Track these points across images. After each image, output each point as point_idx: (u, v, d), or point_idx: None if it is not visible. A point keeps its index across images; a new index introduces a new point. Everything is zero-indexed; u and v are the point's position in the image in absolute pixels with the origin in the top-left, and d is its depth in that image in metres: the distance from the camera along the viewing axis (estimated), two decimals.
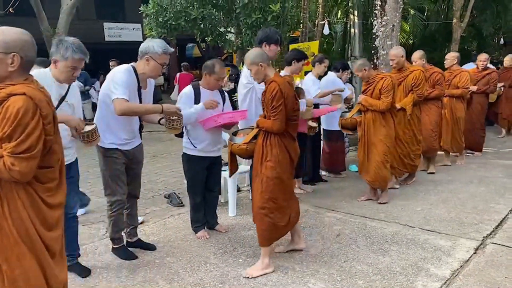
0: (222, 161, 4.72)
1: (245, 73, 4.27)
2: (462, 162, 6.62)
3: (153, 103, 3.66)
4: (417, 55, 5.86)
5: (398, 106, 5.08)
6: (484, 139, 7.33)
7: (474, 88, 6.91)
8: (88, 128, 3.05)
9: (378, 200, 4.90)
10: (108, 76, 3.37)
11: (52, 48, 2.98)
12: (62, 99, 3.06)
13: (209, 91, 3.90)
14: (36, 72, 2.97)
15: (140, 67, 3.38)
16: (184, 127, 3.82)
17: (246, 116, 4.03)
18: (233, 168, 3.73)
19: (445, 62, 6.72)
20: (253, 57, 3.30)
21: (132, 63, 3.42)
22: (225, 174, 4.75)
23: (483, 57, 7.38)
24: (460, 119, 6.42)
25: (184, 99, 3.83)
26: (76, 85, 3.31)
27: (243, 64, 4.61)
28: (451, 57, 6.64)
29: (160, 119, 3.57)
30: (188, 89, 3.90)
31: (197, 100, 3.81)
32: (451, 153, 6.61)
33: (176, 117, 3.45)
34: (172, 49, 3.48)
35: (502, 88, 8.58)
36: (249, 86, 4.22)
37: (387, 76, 4.72)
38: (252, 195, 3.61)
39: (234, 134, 3.77)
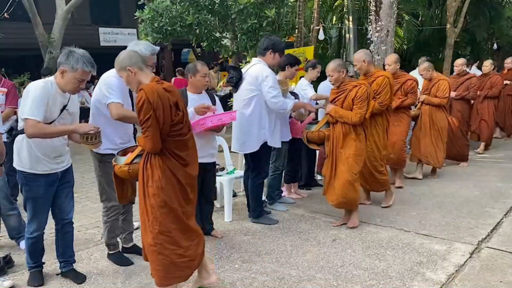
0: (218, 166, 4.73)
1: (252, 78, 4.22)
2: (435, 175, 6.16)
3: None
4: (392, 58, 5.48)
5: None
6: (468, 148, 6.86)
7: (453, 94, 6.50)
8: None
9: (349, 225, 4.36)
10: (100, 81, 3.37)
11: (60, 58, 2.99)
12: (63, 108, 3.07)
13: (197, 95, 3.90)
14: (44, 81, 2.98)
15: None
16: None
17: (235, 118, 4.00)
18: (124, 195, 3.18)
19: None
20: (121, 61, 2.80)
21: None
22: (220, 179, 4.75)
23: (459, 62, 6.88)
24: (443, 130, 5.98)
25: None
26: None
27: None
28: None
29: None
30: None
31: (185, 104, 3.81)
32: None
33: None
34: (158, 48, 3.50)
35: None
36: (256, 92, 4.21)
37: (361, 84, 4.12)
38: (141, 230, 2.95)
39: (123, 153, 3.15)
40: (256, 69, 4.27)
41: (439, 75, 6.15)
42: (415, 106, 5.98)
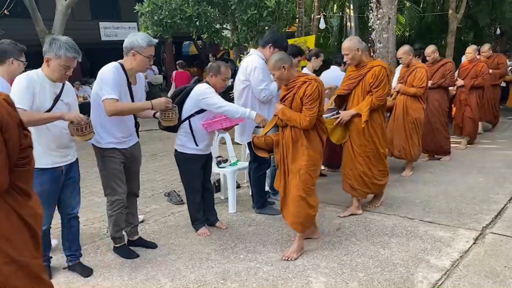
0: (221, 158, 4.75)
1: (243, 69, 4.28)
2: (409, 172, 5.71)
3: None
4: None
5: (354, 111, 4.14)
6: (448, 141, 6.29)
7: (428, 83, 5.83)
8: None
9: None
10: (98, 75, 3.36)
11: (44, 46, 2.98)
12: (57, 98, 3.06)
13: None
14: (29, 72, 2.98)
15: (127, 63, 3.36)
16: (190, 128, 3.82)
17: (244, 119, 4.05)
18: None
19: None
20: None
21: (119, 60, 3.40)
22: (224, 171, 4.76)
23: (429, 49, 6.19)
24: (418, 121, 5.49)
25: (214, 93, 3.83)
26: (71, 85, 3.30)
27: (240, 60, 4.62)
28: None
29: (155, 113, 3.58)
30: (209, 86, 3.87)
31: None
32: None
33: (170, 108, 3.45)
34: (156, 40, 3.46)
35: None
36: (246, 83, 4.24)
37: (311, 79, 3.41)
38: None
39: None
40: (247, 60, 4.32)
41: (417, 62, 5.74)
42: (390, 96, 5.60)
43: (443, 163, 6.18)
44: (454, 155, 6.51)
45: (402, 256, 3.45)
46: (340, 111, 4.24)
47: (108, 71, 3.28)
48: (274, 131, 3.61)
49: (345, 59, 4.23)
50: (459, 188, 5.02)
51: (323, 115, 3.81)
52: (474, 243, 3.61)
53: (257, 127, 3.85)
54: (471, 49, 7.09)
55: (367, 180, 4.27)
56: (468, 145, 7.11)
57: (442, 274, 3.14)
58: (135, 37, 3.33)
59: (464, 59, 7.56)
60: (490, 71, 7.71)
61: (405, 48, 5.61)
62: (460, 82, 6.88)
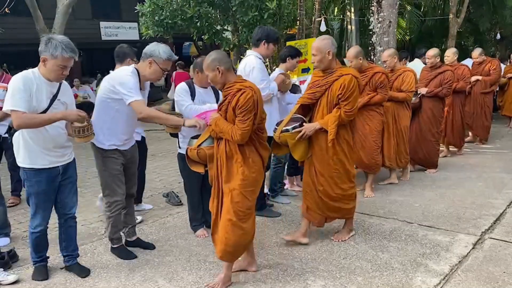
0: None
1: (241, 71, 4.27)
2: (407, 177, 5.58)
3: (149, 102, 3.67)
4: (352, 52, 4.71)
5: (319, 125, 3.54)
6: (437, 153, 5.98)
7: (424, 90, 5.71)
8: (80, 124, 3.04)
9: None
10: (111, 78, 3.35)
11: (40, 46, 2.96)
12: (54, 98, 3.05)
13: (203, 89, 3.91)
14: (25, 72, 2.97)
15: (141, 69, 3.37)
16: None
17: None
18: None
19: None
20: None
21: (133, 65, 3.43)
22: None
23: (431, 52, 5.84)
24: (405, 129, 5.29)
25: (185, 94, 3.82)
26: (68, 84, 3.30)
27: (239, 62, 4.62)
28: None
29: None
30: (184, 85, 3.89)
31: (192, 97, 3.84)
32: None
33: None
34: (176, 57, 3.49)
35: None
36: None
37: (247, 87, 2.95)
38: None
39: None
40: (245, 62, 4.32)
41: (403, 66, 5.52)
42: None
43: (442, 167, 6.16)
44: (453, 159, 6.51)
45: (400, 260, 3.43)
46: (305, 122, 3.64)
47: (127, 75, 3.26)
48: (209, 143, 3.20)
49: (312, 60, 3.70)
50: (458, 193, 5.02)
51: (284, 127, 3.51)
52: (473, 248, 3.60)
53: (193, 137, 3.39)
54: (450, 52, 6.72)
55: (329, 203, 3.67)
56: (461, 151, 6.93)
57: (441, 279, 3.13)
58: (157, 47, 3.33)
59: (465, 63, 7.50)
60: (480, 77, 7.39)
61: (390, 51, 5.42)
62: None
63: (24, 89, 2.88)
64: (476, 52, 7.63)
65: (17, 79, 2.92)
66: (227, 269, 3.13)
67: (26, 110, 2.87)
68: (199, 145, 3.21)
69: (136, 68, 3.37)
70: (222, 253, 3.05)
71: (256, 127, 3.01)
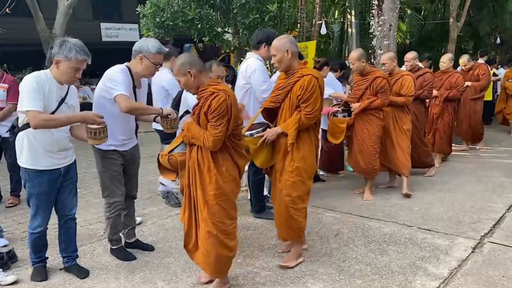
0: None
1: (242, 73, 4.28)
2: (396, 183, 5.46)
3: (147, 102, 3.68)
4: (355, 54, 4.75)
5: (281, 130, 3.34)
6: (429, 153, 5.95)
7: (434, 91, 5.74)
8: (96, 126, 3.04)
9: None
10: (104, 76, 3.35)
11: (54, 48, 2.98)
12: (62, 101, 3.06)
13: None
14: (36, 73, 2.98)
15: (133, 66, 3.37)
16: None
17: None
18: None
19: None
20: None
21: (126, 63, 3.41)
22: None
23: (409, 55, 5.79)
24: (408, 133, 5.18)
25: (191, 98, 3.82)
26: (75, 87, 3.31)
27: (240, 64, 4.63)
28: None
29: (156, 117, 3.57)
30: None
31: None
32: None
33: (174, 118, 3.46)
34: (167, 49, 3.47)
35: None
36: (247, 87, 4.25)
37: (220, 90, 2.79)
38: None
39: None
40: (246, 64, 4.33)
41: (401, 70, 5.44)
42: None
43: (441, 170, 6.17)
44: (453, 163, 6.52)
45: (400, 263, 3.43)
46: (270, 127, 3.46)
47: (116, 72, 3.27)
48: (181, 149, 3.05)
49: (272, 61, 3.47)
50: (458, 197, 5.02)
51: (246, 132, 3.35)
52: (472, 252, 3.60)
53: (165, 143, 3.25)
54: (445, 58, 6.55)
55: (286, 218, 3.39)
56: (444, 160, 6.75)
57: (440, 283, 3.12)
58: (146, 42, 3.34)
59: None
60: (469, 83, 7.28)
61: (390, 54, 5.37)
62: (434, 92, 6.18)
63: (38, 88, 2.89)
64: (464, 58, 7.46)
65: (30, 79, 2.92)
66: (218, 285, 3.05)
67: (41, 109, 2.88)
68: (171, 151, 3.06)
69: (128, 66, 3.37)
70: (205, 265, 2.96)
71: (231, 133, 2.84)
